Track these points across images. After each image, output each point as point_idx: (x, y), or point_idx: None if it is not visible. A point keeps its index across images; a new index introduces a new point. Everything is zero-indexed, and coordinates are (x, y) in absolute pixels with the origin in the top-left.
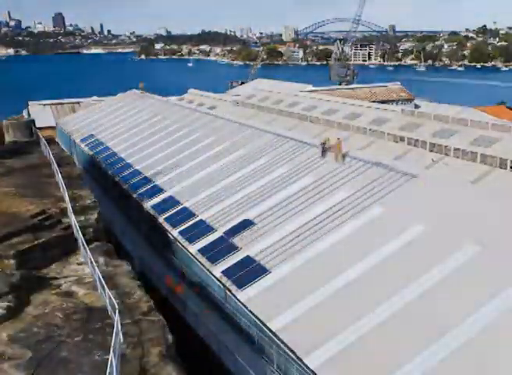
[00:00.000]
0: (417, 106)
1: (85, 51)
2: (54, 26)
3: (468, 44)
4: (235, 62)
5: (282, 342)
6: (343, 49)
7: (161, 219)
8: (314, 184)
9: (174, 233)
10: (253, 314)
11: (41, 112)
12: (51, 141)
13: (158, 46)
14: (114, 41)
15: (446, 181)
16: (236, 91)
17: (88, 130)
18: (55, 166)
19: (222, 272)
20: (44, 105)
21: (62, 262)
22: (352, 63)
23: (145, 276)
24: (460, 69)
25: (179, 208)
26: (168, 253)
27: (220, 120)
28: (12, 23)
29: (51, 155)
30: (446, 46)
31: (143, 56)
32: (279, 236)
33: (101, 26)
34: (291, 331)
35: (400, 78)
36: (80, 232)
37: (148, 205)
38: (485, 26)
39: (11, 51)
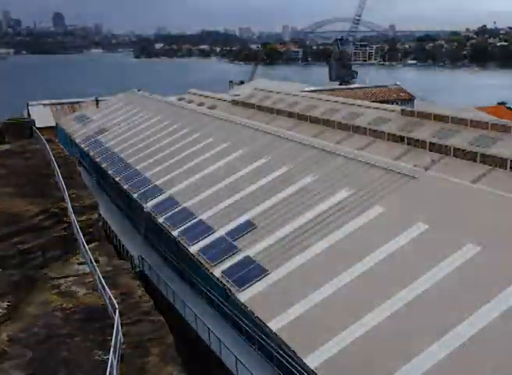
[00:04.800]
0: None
1: (85, 51)
2: (54, 26)
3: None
4: (235, 62)
5: (283, 342)
6: (343, 49)
7: (160, 220)
8: (314, 184)
9: (174, 233)
10: (253, 314)
11: (41, 112)
12: (51, 141)
13: (157, 46)
14: (114, 41)
15: (446, 181)
16: (236, 91)
17: (88, 130)
18: (55, 165)
19: (223, 272)
20: (44, 105)
21: (62, 262)
22: (352, 63)
23: (145, 275)
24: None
25: (178, 208)
26: (168, 252)
27: (220, 120)
28: (11, 23)
29: (52, 155)
30: (445, 46)
31: (142, 56)
32: (279, 236)
33: (101, 26)
34: (291, 331)
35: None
36: (80, 232)
37: (148, 205)
38: (485, 26)
39: (11, 51)
